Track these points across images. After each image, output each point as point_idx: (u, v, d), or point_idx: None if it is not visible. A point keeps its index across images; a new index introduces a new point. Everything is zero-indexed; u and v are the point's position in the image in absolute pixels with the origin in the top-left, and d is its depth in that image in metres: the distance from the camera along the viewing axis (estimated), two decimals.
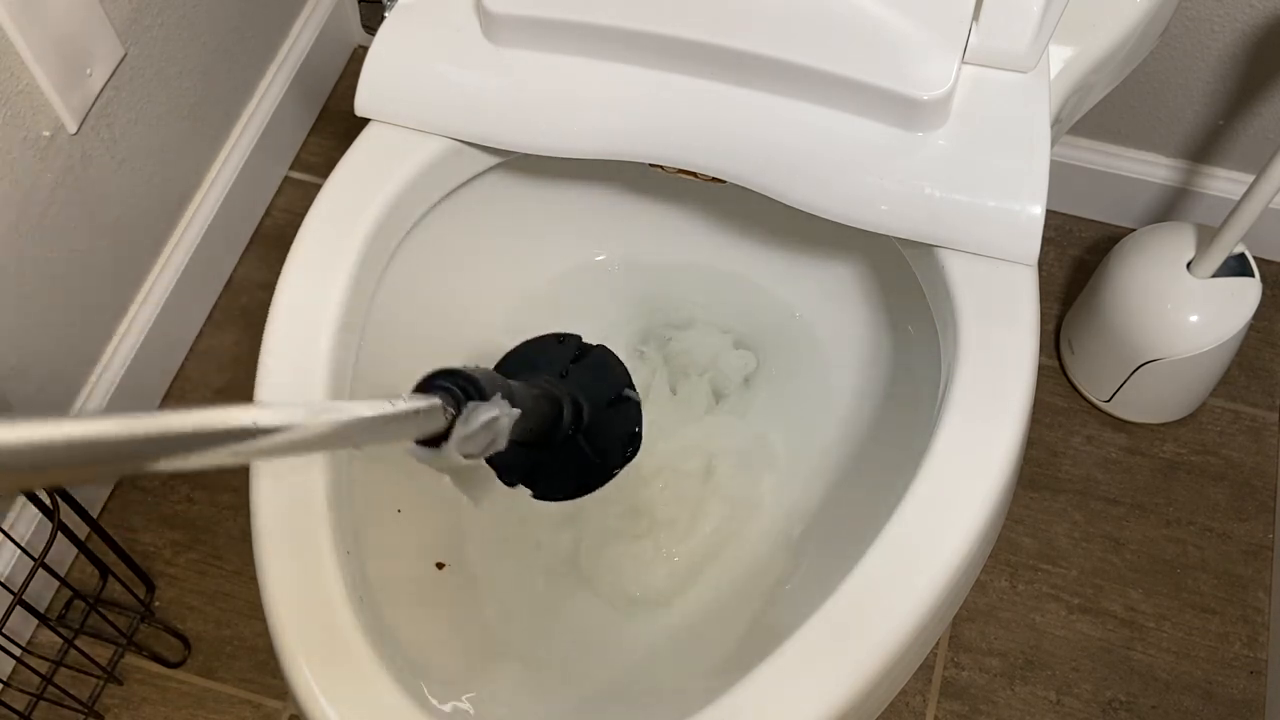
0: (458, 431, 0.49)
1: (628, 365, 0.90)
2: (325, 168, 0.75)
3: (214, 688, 1.01)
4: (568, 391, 0.65)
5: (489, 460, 0.65)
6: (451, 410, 0.49)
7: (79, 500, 0.91)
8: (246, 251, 1.24)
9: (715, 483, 0.83)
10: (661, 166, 0.74)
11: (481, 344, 0.85)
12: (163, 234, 1.11)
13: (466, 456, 0.50)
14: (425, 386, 0.50)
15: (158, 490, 1.10)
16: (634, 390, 0.70)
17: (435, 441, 0.49)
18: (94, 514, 1.01)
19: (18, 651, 0.92)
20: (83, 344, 1.04)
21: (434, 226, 0.77)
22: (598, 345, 0.71)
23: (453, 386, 0.50)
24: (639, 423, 0.69)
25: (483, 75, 0.73)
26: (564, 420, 0.64)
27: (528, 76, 0.73)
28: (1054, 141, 0.76)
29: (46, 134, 0.91)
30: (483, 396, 0.50)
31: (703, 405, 0.87)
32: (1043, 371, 1.14)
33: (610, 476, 0.68)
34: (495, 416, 0.51)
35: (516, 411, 0.53)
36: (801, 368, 0.88)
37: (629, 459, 0.68)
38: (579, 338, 0.71)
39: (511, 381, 0.56)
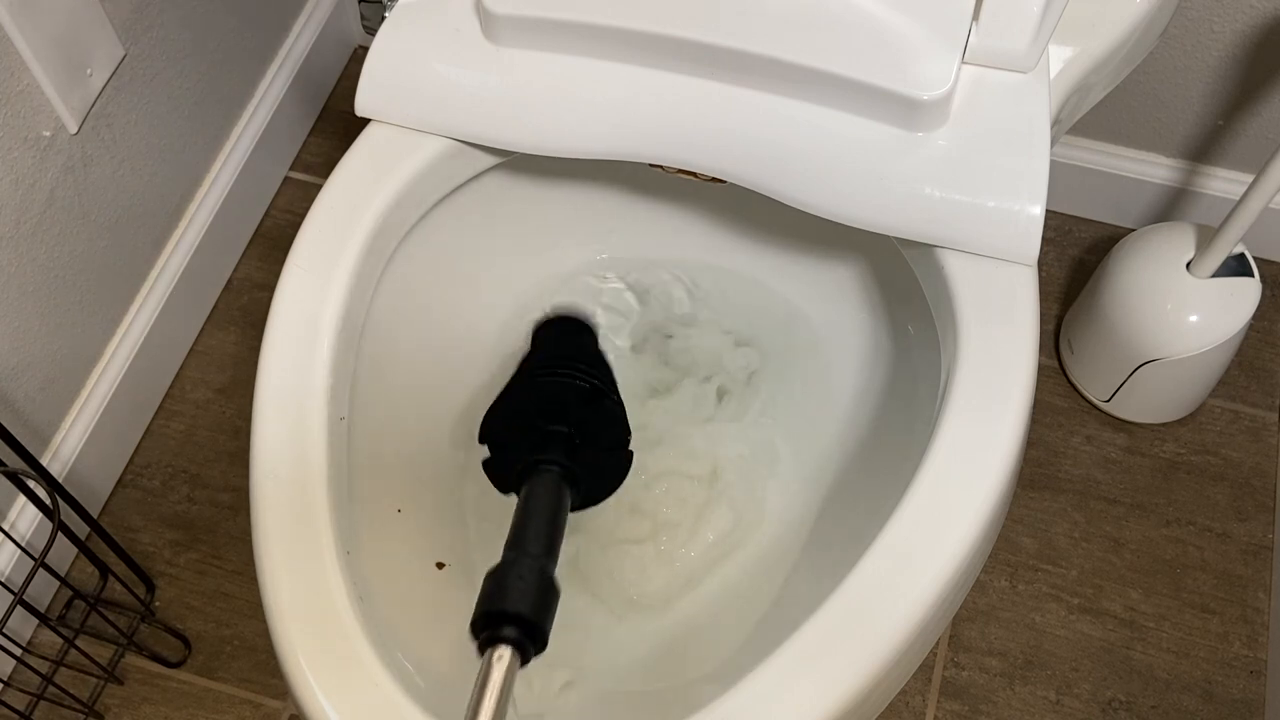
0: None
1: (627, 364, 0.90)
2: (325, 168, 0.75)
3: (214, 688, 1.01)
4: (571, 472, 0.66)
5: (486, 470, 0.69)
6: (520, 658, 0.54)
7: (79, 500, 0.91)
8: (246, 251, 1.24)
9: (719, 487, 0.83)
10: (662, 166, 0.74)
11: (482, 344, 0.85)
12: (163, 234, 1.11)
13: None
14: (489, 639, 0.54)
15: (158, 490, 1.10)
16: (629, 438, 0.71)
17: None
18: (94, 514, 1.01)
19: (18, 651, 0.92)
20: (83, 344, 1.04)
21: (434, 226, 0.77)
22: (614, 397, 0.70)
23: (521, 639, 0.54)
24: (626, 473, 0.71)
25: (483, 75, 0.73)
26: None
27: (528, 76, 0.73)
28: (1054, 141, 0.76)
29: (47, 134, 0.91)
30: (544, 638, 0.55)
31: (706, 406, 0.87)
32: (1043, 371, 1.14)
33: (590, 504, 0.69)
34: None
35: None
36: (802, 367, 0.88)
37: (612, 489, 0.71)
38: (590, 388, 0.69)
39: (529, 545, 0.59)
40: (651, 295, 0.91)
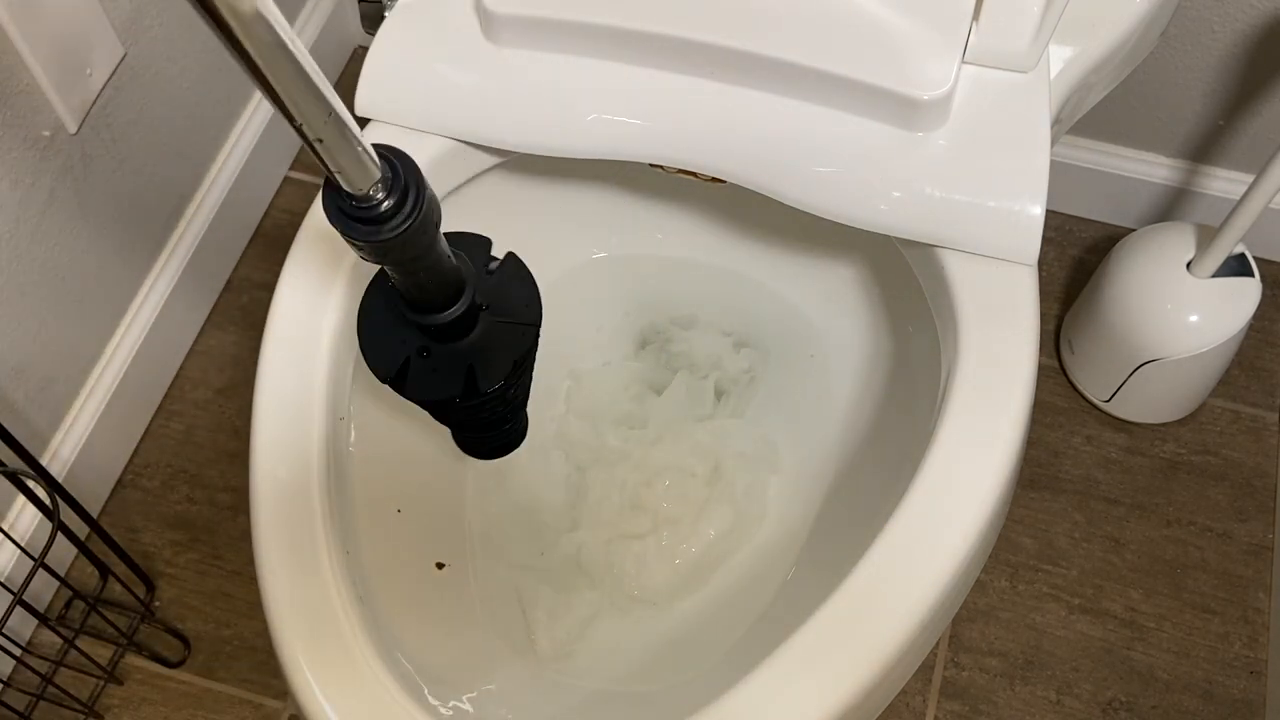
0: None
1: (628, 364, 0.90)
2: None
3: (214, 688, 1.01)
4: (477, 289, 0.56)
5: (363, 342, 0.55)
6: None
7: (79, 500, 0.91)
8: (246, 251, 1.24)
9: (721, 485, 0.83)
10: (662, 166, 0.74)
11: None
12: (163, 234, 1.11)
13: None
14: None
15: (157, 490, 1.10)
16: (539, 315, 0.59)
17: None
18: (94, 514, 1.01)
19: (18, 651, 0.92)
20: (83, 344, 1.03)
21: None
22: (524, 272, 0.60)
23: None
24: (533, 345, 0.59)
25: (483, 75, 0.73)
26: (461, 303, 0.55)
27: (528, 77, 0.73)
28: (1054, 141, 0.76)
29: (46, 134, 0.91)
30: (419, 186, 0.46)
31: (706, 405, 0.87)
32: (1043, 371, 1.14)
33: (480, 395, 0.55)
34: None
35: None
36: (802, 367, 0.88)
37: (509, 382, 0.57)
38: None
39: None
40: (652, 296, 0.91)
